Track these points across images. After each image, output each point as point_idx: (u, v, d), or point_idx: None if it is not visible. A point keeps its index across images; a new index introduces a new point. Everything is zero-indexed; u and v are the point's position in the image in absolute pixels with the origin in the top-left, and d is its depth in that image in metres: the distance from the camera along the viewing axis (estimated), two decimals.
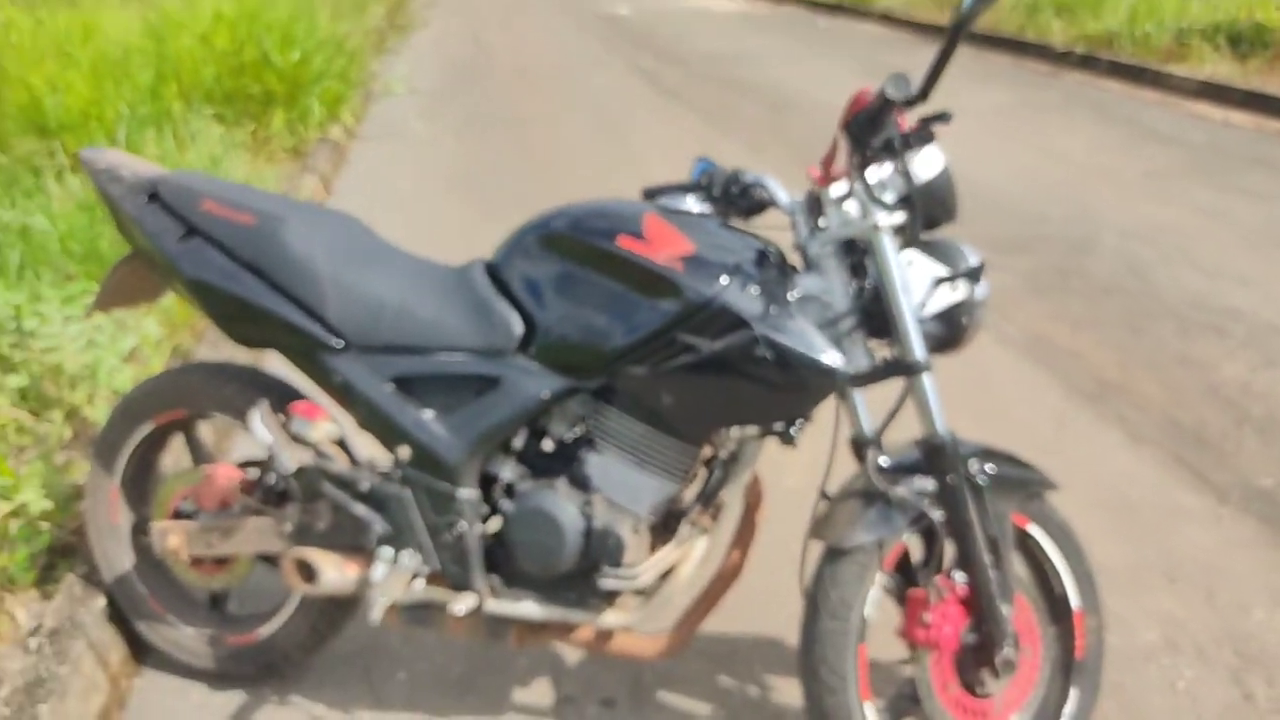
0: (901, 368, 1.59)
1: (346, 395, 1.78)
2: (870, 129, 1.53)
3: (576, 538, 1.68)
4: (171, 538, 1.94)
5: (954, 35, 1.44)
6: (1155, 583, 2.34)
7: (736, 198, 1.66)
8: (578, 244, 1.64)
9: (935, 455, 1.61)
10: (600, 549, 1.68)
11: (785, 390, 1.58)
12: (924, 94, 1.48)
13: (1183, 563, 2.41)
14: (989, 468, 1.65)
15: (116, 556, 2.08)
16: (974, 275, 1.62)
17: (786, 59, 9.63)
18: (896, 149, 1.53)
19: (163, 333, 3.20)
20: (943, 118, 1.56)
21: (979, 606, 1.64)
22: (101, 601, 2.11)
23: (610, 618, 1.77)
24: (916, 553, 1.69)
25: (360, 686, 2.07)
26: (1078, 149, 6.14)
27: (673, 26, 12.08)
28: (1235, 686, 2.04)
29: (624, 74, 9.02)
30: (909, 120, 1.58)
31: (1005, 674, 1.67)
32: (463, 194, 5.55)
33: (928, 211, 1.62)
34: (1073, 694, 1.78)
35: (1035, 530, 1.76)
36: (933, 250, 1.68)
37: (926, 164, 1.62)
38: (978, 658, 1.67)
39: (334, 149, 6.49)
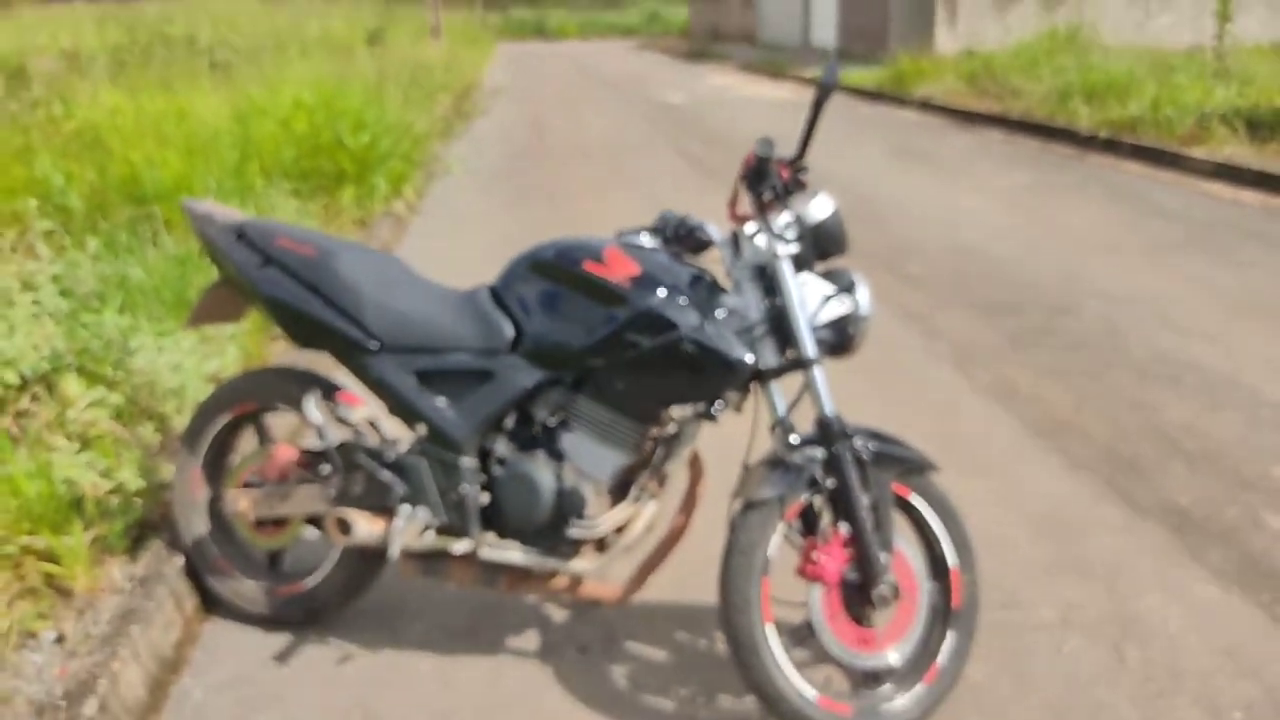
0: (797, 363, 2.06)
1: (379, 386, 2.29)
2: (758, 180, 2.03)
3: (550, 496, 2.16)
4: (242, 502, 2.46)
5: (816, 106, 1.95)
6: (1064, 577, 2.71)
7: (685, 237, 2.17)
8: (555, 268, 2.16)
9: (824, 431, 2.06)
10: (568, 505, 2.16)
11: (705, 378, 2.06)
12: (800, 153, 2.00)
13: (1094, 562, 2.78)
14: (871, 445, 2.10)
15: (195, 524, 2.60)
16: (850, 291, 2.09)
17: (825, 143, 10.21)
18: (779, 194, 2.02)
19: (240, 357, 3.78)
20: (802, 170, 2.08)
21: (858, 551, 2.07)
22: (180, 561, 2.62)
23: (576, 564, 2.23)
24: (813, 509, 2.12)
25: (384, 633, 2.54)
26: (1083, 224, 6.55)
27: (721, 113, 12.83)
28: (1112, 653, 2.40)
29: (671, 156, 9.68)
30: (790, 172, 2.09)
31: (882, 607, 2.09)
32: (505, 256, 6.14)
33: (821, 244, 2.12)
34: (949, 636, 2.18)
35: (917, 500, 2.18)
36: (829, 276, 2.16)
37: (819, 208, 2.12)
38: (860, 594, 2.09)
39: (395, 221, 7.18)
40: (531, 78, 19.43)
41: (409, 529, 2.25)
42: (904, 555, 2.16)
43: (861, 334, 2.14)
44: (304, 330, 2.36)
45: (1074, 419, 3.64)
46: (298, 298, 2.32)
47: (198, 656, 2.48)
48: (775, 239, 2.05)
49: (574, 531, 2.18)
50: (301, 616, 2.54)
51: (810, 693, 2.06)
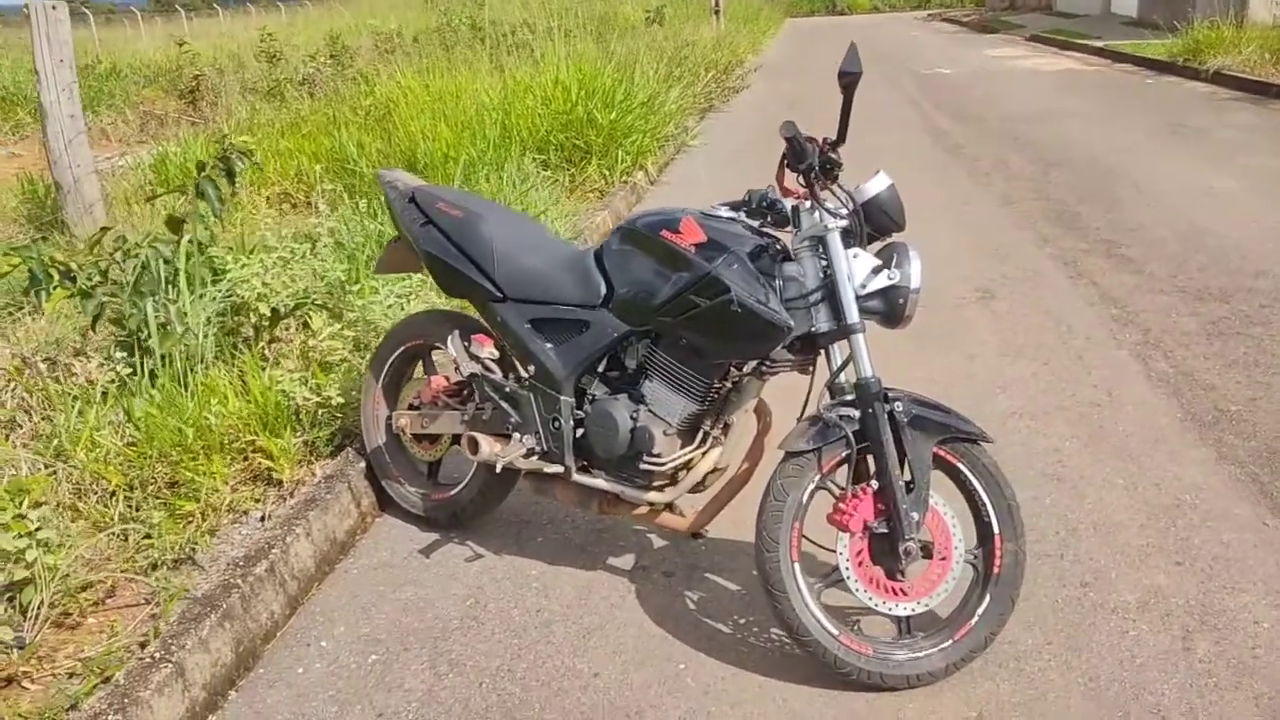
0: (843, 329, 2.25)
1: (502, 330, 2.72)
2: (797, 159, 2.22)
3: (625, 432, 2.49)
4: (403, 420, 2.99)
5: (846, 93, 2.12)
6: (1161, 564, 2.67)
7: (767, 210, 2.40)
8: (640, 235, 2.47)
9: (861, 393, 2.24)
10: (640, 441, 2.47)
11: (752, 338, 2.30)
12: (840, 136, 2.18)
13: (1200, 554, 2.71)
14: (913, 409, 2.24)
15: (374, 436, 3.16)
16: (901, 265, 2.24)
17: (1087, 119, 9.64)
18: (817, 172, 2.21)
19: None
20: (837, 149, 2.26)
21: (887, 507, 2.23)
22: (362, 465, 3.20)
23: (651, 495, 2.54)
24: (850, 463, 2.30)
25: (509, 541, 2.99)
26: None
27: (988, 87, 12.33)
28: (1180, 642, 2.38)
29: (915, 132, 9.54)
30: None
31: (909, 561, 2.24)
32: None
33: (875, 220, 2.29)
34: (987, 600, 2.29)
35: (965, 467, 2.30)
36: (886, 249, 2.32)
37: (872, 185, 2.29)
38: (889, 547, 2.25)
39: (632, 191, 7.69)
40: (804, 54, 19.44)
41: (517, 451, 2.66)
42: (942, 516, 2.29)
43: (910, 305, 2.28)
44: (450, 281, 2.82)
45: (1242, 413, 3.45)
46: (446, 253, 2.78)
47: (364, 543, 3.05)
48: (826, 213, 2.24)
49: (646, 465, 2.49)
50: (447, 519, 3.04)
51: (833, 628, 2.26)
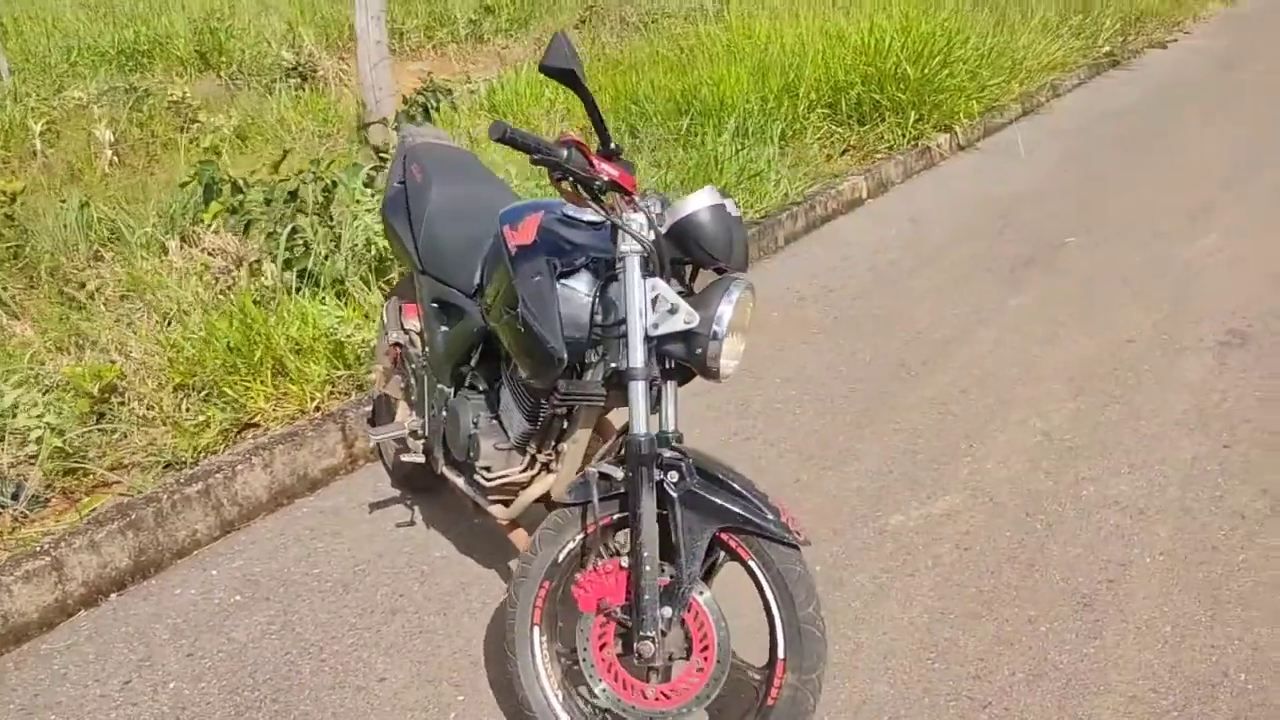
0: (621, 372, 1.87)
1: (419, 303, 2.62)
2: (553, 169, 1.80)
3: (464, 437, 2.30)
4: (375, 374, 3.02)
5: (579, 91, 1.69)
6: None
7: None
8: (498, 226, 2.22)
9: (628, 451, 1.86)
10: (471, 449, 2.28)
11: (538, 361, 1.99)
12: (604, 142, 1.77)
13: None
14: (690, 483, 1.82)
15: (380, 383, 3.24)
16: (704, 304, 1.80)
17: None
18: (583, 184, 1.80)
19: None
20: (611, 151, 1.81)
21: (631, 588, 1.85)
22: (367, 410, 3.30)
23: (494, 508, 2.34)
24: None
25: (450, 518, 2.94)
26: None
27: None
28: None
29: None
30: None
31: (642, 662, 1.84)
32: (988, 223, 5.67)
33: (687, 248, 1.85)
34: None
35: (756, 567, 1.83)
36: (714, 284, 1.88)
37: (690, 203, 1.84)
38: (631, 636, 1.87)
39: (920, 156, 6.93)
40: None
41: (396, 431, 2.59)
42: (706, 616, 1.85)
43: (714, 354, 1.83)
44: (391, 244, 2.76)
45: None
46: (395, 217, 2.72)
47: (338, 484, 3.16)
48: (625, 234, 1.85)
49: (478, 476, 2.30)
50: (405, 478, 3.05)
51: (563, 713, 1.95)
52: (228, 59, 10.05)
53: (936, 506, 2.89)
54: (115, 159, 6.65)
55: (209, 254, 4.32)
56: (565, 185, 1.81)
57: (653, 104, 7.11)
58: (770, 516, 1.81)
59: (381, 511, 2.98)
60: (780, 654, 1.82)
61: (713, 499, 1.82)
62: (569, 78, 1.67)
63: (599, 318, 1.96)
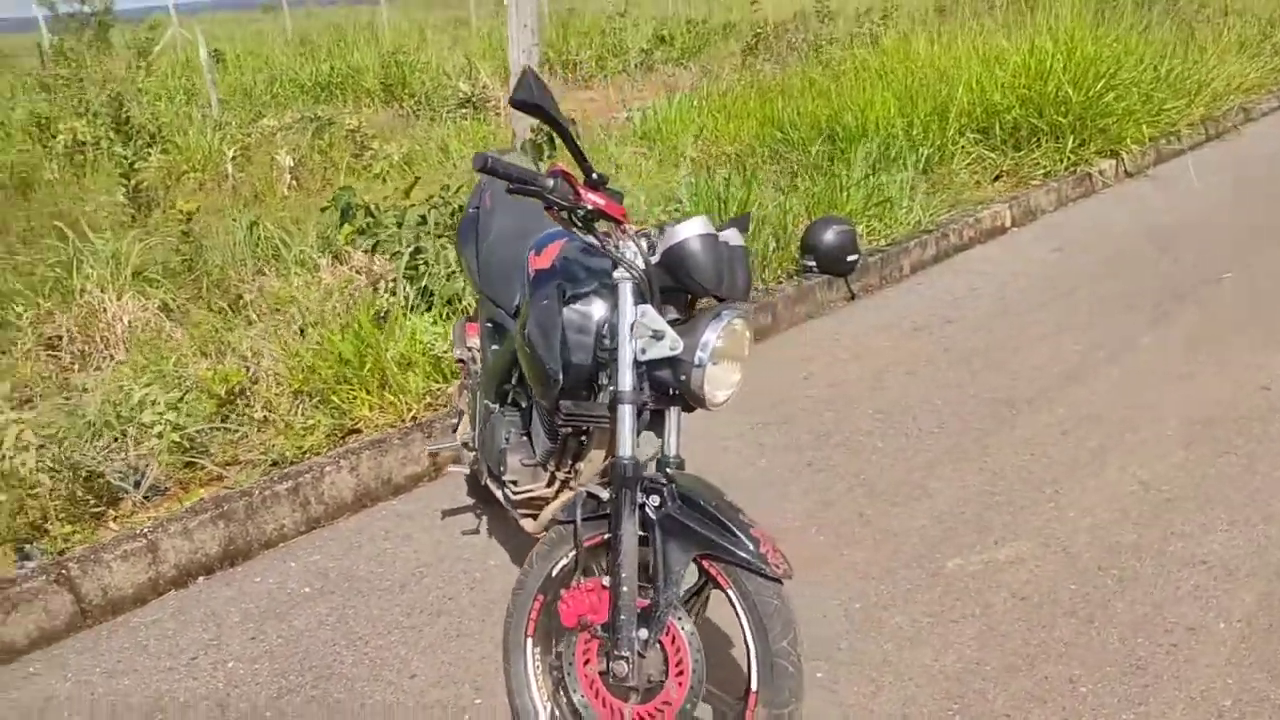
0: (612, 395, 1.92)
1: (480, 323, 2.75)
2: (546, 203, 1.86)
3: (496, 451, 2.40)
4: (451, 390, 3.18)
5: (552, 123, 1.74)
6: None
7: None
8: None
9: (613, 474, 1.89)
10: (502, 464, 2.37)
11: (539, 380, 2.06)
12: (585, 172, 1.81)
13: None
14: (671, 508, 1.84)
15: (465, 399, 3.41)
16: (690, 332, 1.83)
17: None
18: (570, 212, 1.84)
19: None
20: (596, 181, 1.84)
21: (610, 608, 1.87)
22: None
23: (524, 522, 2.43)
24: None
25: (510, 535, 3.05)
26: None
27: None
28: None
29: None
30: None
31: (615, 680, 1.86)
32: (1140, 255, 5.34)
33: (678, 276, 1.88)
34: None
35: (734, 596, 1.83)
36: (703, 313, 1.90)
37: (680, 230, 1.87)
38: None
39: (1080, 184, 6.57)
40: None
41: (451, 443, 2.72)
42: (683, 643, 1.85)
43: (698, 381, 1.85)
44: (462, 265, 2.91)
45: None
46: (465, 243, 2.87)
47: (420, 491, 3.33)
48: (620, 262, 1.89)
49: (506, 489, 2.39)
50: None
51: (546, 710, 2.00)
52: (410, 91, 10.75)
53: (1001, 553, 2.75)
54: (294, 183, 7.25)
55: (355, 272, 4.66)
56: (554, 214, 1.87)
57: (797, 130, 7.08)
58: (749, 547, 1.81)
59: (452, 519, 3.13)
60: (753, 686, 1.81)
61: (692, 525, 1.83)
62: (538, 111, 1.74)
63: (605, 342, 2.01)
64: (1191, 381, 3.70)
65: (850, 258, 4.72)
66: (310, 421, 3.53)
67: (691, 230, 1.87)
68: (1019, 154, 6.75)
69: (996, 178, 6.67)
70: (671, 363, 1.88)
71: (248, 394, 3.71)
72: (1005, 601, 2.54)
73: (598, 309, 2.02)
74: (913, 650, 2.38)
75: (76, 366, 4.25)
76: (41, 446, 3.02)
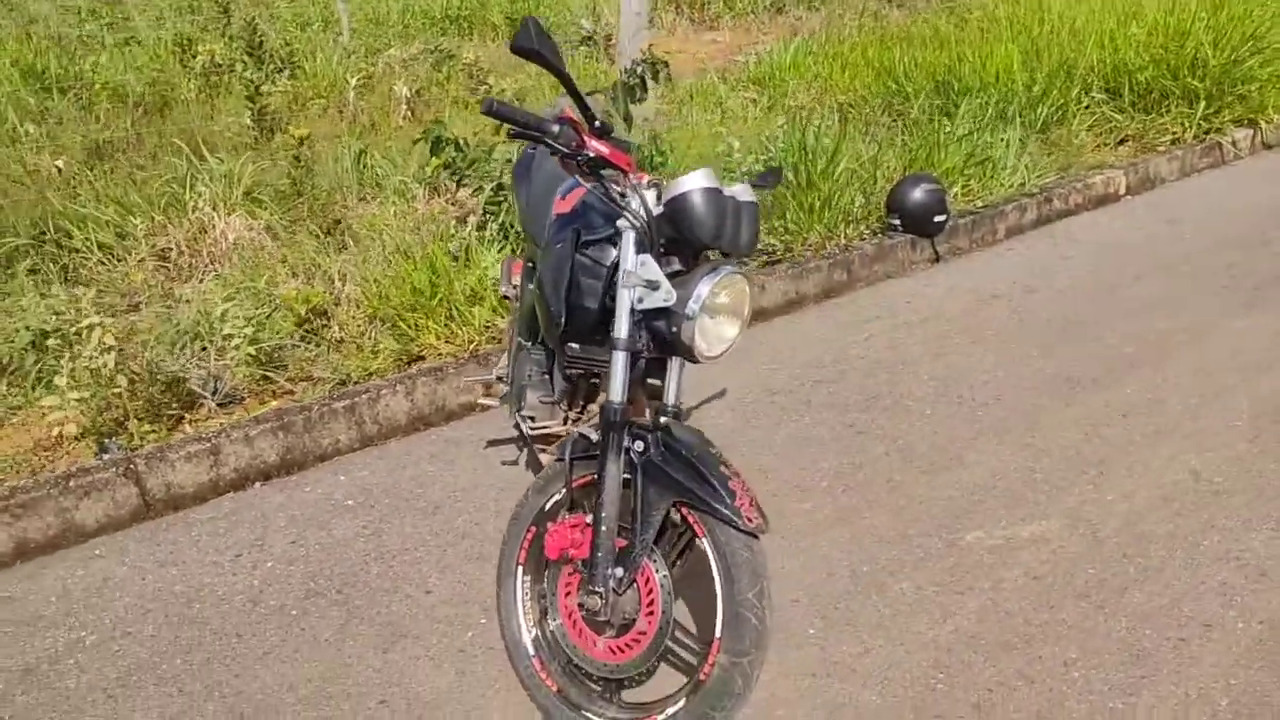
0: (609, 341, 1.97)
1: (523, 261, 2.83)
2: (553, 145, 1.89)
3: (518, 386, 2.50)
4: (503, 324, 3.29)
5: (555, 72, 1.77)
6: None
7: None
8: None
9: (602, 416, 1.95)
10: (522, 399, 2.47)
11: (547, 320, 2.12)
12: (588, 118, 1.84)
13: None
14: (654, 454, 1.89)
15: None
16: (684, 283, 1.86)
17: None
18: (574, 159, 1.88)
19: None
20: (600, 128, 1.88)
21: (590, 545, 1.95)
22: None
23: (543, 455, 2.52)
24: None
25: None
26: None
27: None
28: None
29: None
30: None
31: (586, 613, 1.94)
32: (1258, 233, 5.03)
33: (681, 228, 1.90)
34: (680, 705, 1.89)
35: (707, 545, 1.88)
36: (696, 268, 1.93)
37: (683, 182, 1.89)
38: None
39: (1208, 153, 6.17)
40: None
41: (495, 375, 2.83)
42: (655, 584, 1.92)
43: (689, 333, 1.88)
44: (515, 203, 2.99)
45: None
46: (519, 178, 2.94)
47: (472, 418, 3.47)
48: (620, 210, 1.93)
49: (525, 424, 2.48)
50: None
51: (531, 647, 2.10)
52: None
53: (1025, 530, 2.70)
54: (409, 113, 7.46)
55: (449, 203, 4.82)
56: (562, 161, 1.92)
57: (912, 82, 6.86)
58: (725, 499, 1.85)
59: (496, 449, 3.26)
60: (717, 632, 1.86)
61: (671, 473, 1.88)
62: (538, 58, 1.77)
63: (614, 289, 2.05)
64: (1273, 373, 3.50)
65: (937, 218, 4.62)
66: (380, 346, 3.71)
67: (693, 183, 1.89)
68: (1147, 118, 6.38)
69: (1121, 141, 6.33)
70: (666, 313, 1.91)
71: (328, 314, 3.92)
72: (1017, 579, 2.51)
73: (609, 255, 2.06)
74: (910, 617, 2.39)
75: (183, 278, 4.55)
76: (122, 350, 3.28)
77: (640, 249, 1.93)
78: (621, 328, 1.94)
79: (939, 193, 4.70)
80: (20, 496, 2.74)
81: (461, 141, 4.70)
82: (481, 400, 3.01)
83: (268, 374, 3.55)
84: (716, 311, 1.93)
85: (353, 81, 7.86)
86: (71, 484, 2.81)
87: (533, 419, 2.45)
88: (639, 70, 5.05)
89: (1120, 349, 3.76)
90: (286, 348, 3.69)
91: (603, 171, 1.93)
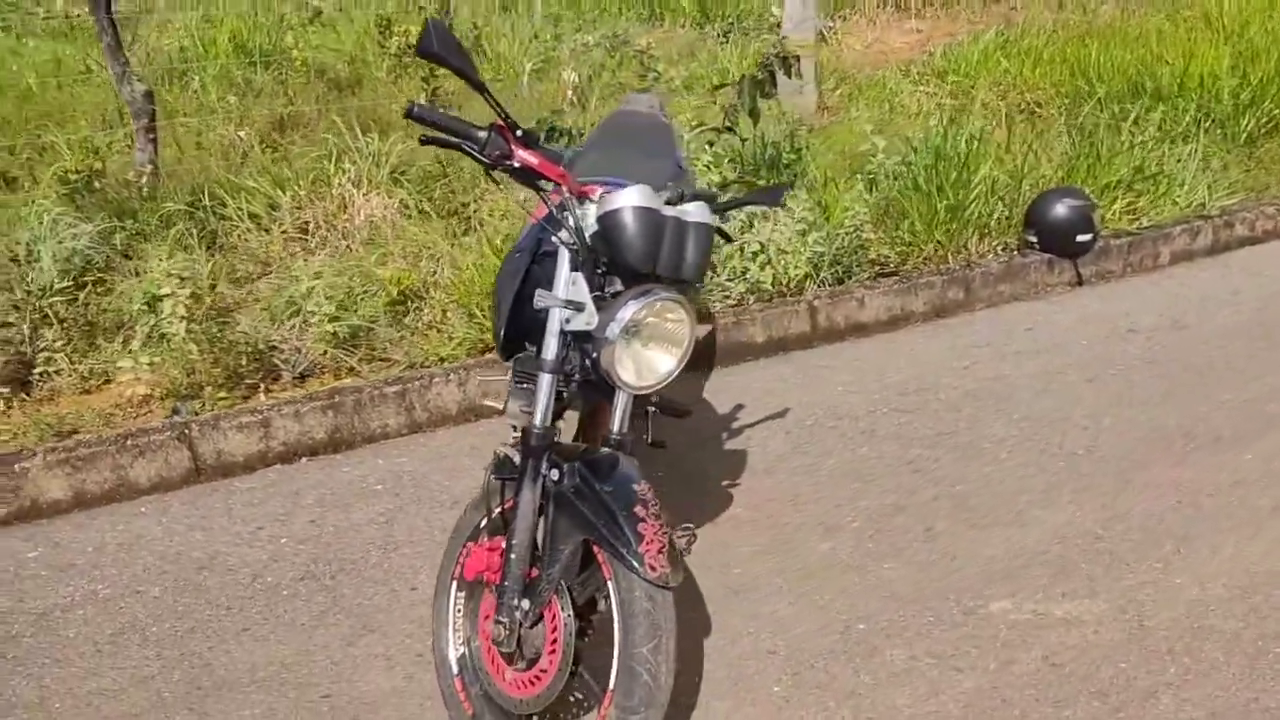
0: (537, 363, 1.87)
1: None
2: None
3: (506, 391, 2.42)
4: None
5: (463, 76, 1.65)
6: None
7: None
8: None
9: (522, 440, 1.86)
10: (506, 404, 2.39)
11: (494, 330, 2.04)
12: (504, 120, 1.72)
13: None
14: (567, 485, 1.79)
15: None
16: (607, 307, 1.73)
17: None
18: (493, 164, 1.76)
19: None
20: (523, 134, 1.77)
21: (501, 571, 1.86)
22: None
23: None
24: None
25: None
26: None
27: None
28: None
29: None
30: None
31: (492, 643, 1.86)
32: None
33: (606, 247, 1.78)
34: None
35: (611, 588, 1.75)
36: (626, 292, 1.79)
37: (614, 199, 1.75)
38: None
39: None
40: None
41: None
42: (560, 625, 1.81)
43: (609, 359, 1.75)
44: None
45: None
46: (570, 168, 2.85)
47: None
48: (561, 225, 1.82)
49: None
50: None
51: (455, 666, 2.03)
52: (723, 14, 10.67)
53: (1062, 607, 2.37)
54: (574, 99, 7.53)
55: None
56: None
57: (1105, 83, 6.24)
58: (631, 543, 1.72)
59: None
60: (611, 684, 1.74)
61: (582, 507, 1.77)
62: (443, 62, 1.68)
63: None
64: None
65: (1081, 238, 4.19)
66: (455, 333, 3.75)
67: (623, 201, 1.76)
68: None
69: None
70: (590, 336, 1.80)
71: (420, 297, 4.00)
72: (1031, 663, 2.20)
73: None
74: (890, 689, 2.15)
75: (315, 252, 4.79)
76: (223, 319, 3.49)
77: (575, 267, 1.81)
78: (549, 349, 1.85)
79: (1085, 209, 4.23)
80: (82, 450, 2.95)
81: (575, 132, 4.68)
82: (485, 402, 2.97)
83: (347, 352, 3.67)
84: (645, 339, 1.79)
85: (528, 66, 8.02)
86: (129, 443, 3.00)
87: (513, 427, 2.38)
88: (769, 64, 4.84)
89: (1262, 406, 3.25)
90: (375, 328, 3.79)
91: (543, 183, 1.83)
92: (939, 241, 4.33)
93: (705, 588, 2.50)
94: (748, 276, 3.89)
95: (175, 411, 3.24)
